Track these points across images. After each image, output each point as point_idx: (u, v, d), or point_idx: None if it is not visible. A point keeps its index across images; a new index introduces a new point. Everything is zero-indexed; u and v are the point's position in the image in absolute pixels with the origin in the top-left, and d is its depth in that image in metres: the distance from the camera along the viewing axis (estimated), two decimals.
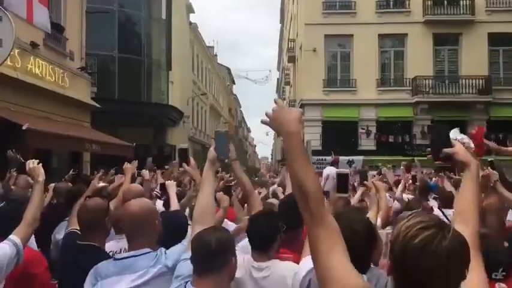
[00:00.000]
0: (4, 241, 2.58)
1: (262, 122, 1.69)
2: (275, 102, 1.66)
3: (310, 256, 1.49)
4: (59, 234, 3.99)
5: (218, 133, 2.64)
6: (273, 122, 1.62)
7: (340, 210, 2.53)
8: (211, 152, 2.56)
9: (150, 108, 23.22)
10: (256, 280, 2.51)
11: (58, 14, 13.60)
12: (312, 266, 1.46)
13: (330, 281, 1.34)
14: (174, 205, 4.00)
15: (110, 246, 3.28)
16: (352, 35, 23.02)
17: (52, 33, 12.33)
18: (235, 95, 67.09)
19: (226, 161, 2.59)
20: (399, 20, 22.73)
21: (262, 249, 2.58)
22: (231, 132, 58.22)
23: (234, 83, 63.75)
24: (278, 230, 2.64)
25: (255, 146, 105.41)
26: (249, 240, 2.65)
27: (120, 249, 3.24)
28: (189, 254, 2.12)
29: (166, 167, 8.12)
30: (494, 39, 22.42)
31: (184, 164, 3.04)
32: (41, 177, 2.95)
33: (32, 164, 2.96)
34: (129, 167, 4.91)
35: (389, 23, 22.63)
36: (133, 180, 6.11)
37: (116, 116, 18.69)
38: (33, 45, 11.52)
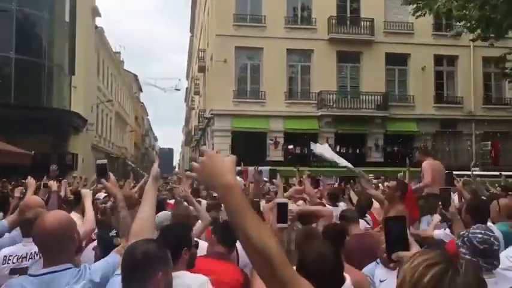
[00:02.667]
0: None
1: (188, 176, 1.49)
2: (202, 151, 1.40)
3: None
4: None
5: (162, 150, 2.66)
6: (202, 175, 1.37)
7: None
8: (155, 169, 2.54)
9: (50, 114, 21.80)
10: None
11: None
12: None
13: None
14: (90, 215, 3.78)
15: (16, 250, 3.05)
16: (262, 48, 23.55)
17: None
18: (142, 102, 65.43)
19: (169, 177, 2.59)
20: (306, 36, 23.68)
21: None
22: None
23: (142, 91, 62.25)
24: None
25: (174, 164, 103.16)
26: None
27: (27, 254, 3.06)
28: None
29: (74, 175, 7.65)
30: (391, 59, 24.24)
31: (103, 180, 2.88)
32: None
33: None
34: (32, 182, 4.63)
35: (297, 39, 23.47)
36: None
37: (11, 121, 17.34)
38: None
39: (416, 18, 16.92)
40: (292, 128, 22.85)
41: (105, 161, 3.06)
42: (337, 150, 22.55)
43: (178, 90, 56.53)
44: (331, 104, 23.09)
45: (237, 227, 1.27)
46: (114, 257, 2.54)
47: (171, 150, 2.70)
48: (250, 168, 16.57)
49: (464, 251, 2.66)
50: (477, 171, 14.71)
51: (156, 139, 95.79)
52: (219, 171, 1.32)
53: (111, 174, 2.97)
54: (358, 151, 22.31)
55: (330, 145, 22.63)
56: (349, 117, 22.90)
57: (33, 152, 14.35)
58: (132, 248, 2.01)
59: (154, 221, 2.57)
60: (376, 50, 24.04)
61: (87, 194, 3.99)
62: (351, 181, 10.33)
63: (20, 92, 20.85)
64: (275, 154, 22.70)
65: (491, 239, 2.62)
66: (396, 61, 24.47)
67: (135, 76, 54.75)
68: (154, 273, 1.98)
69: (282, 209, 2.46)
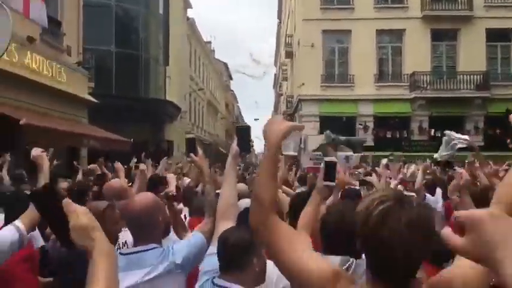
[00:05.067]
0: (8, 225, 2.58)
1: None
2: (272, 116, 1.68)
3: None
4: None
5: (240, 128, 2.66)
6: (264, 131, 1.65)
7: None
8: (234, 148, 2.56)
9: (147, 104, 23.14)
10: None
11: (55, 9, 13.50)
12: None
13: (301, 274, 1.42)
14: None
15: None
16: (350, 31, 22.97)
17: (49, 27, 12.23)
18: (232, 90, 66.96)
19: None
20: (397, 15, 22.68)
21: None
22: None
23: (231, 79, 63.63)
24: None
25: (252, 141, 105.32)
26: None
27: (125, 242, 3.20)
28: (215, 249, 2.15)
29: (170, 161, 8.05)
30: (492, 35, 22.41)
31: (191, 154, 2.98)
32: (46, 165, 2.93)
33: (35, 152, 2.94)
34: (120, 167, 4.84)
35: (387, 19, 22.57)
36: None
37: (113, 111, 18.60)
38: (30, 40, 11.44)
39: None
40: (383, 112, 22.12)
41: (193, 136, 3.17)
42: (432, 134, 21.51)
43: (266, 76, 56.95)
44: (425, 85, 21.97)
45: (257, 174, 1.62)
46: (198, 237, 2.56)
47: (248, 128, 2.70)
48: (339, 154, 16.41)
49: None
50: None
51: None
52: (272, 131, 1.60)
53: (199, 149, 3.04)
54: None
55: (424, 129, 21.77)
56: (445, 99, 21.63)
57: (132, 139, 15.32)
58: (226, 238, 2.10)
59: (237, 201, 2.58)
60: (476, 26, 22.34)
61: (172, 178, 4.11)
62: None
63: (120, 83, 22.32)
64: (365, 139, 22.12)
65: None
66: (498, 37, 22.57)
67: (225, 64, 56.05)
68: (250, 261, 2.08)
69: (330, 167, 2.40)
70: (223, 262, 2.09)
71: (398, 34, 23.09)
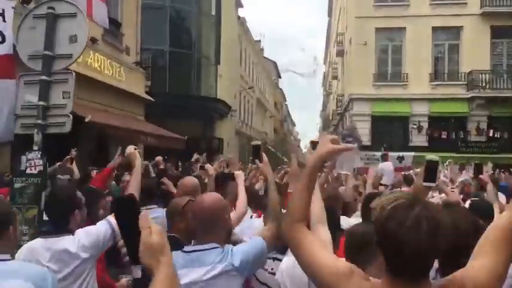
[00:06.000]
0: (102, 220, 2.77)
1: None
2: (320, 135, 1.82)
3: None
4: None
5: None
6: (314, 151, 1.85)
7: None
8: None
9: (199, 102, 23.57)
10: None
11: (115, 10, 14.03)
12: None
13: (319, 270, 1.61)
14: (242, 199, 3.71)
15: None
16: (405, 28, 22.44)
17: (110, 28, 12.73)
18: (280, 88, 66.96)
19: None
20: (454, 12, 21.94)
21: None
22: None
23: (280, 77, 63.63)
24: None
25: (300, 140, 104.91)
26: None
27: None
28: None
29: (222, 159, 8.20)
30: None
31: (256, 161, 3.01)
32: (138, 161, 3.11)
33: (129, 149, 3.13)
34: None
35: (444, 15, 21.87)
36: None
37: (166, 109, 19.09)
38: (93, 40, 11.95)
39: None
40: (438, 112, 21.48)
41: (259, 142, 3.16)
42: (490, 135, 20.68)
43: (315, 75, 56.37)
44: (484, 84, 21.13)
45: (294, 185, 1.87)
46: (258, 242, 2.54)
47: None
48: (392, 154, 16.10)
49: None
50: None
51: (294, 124, 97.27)
52: (315, 152, 1.80)
53: (264, 155, 3.04)
54: None
55: (482, 129, 20.96)
56: (505, 99, 20.72)
57: (186, 137, 15.69)
58: (356, 230, 2.21)
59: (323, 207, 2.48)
60: None
61: (239, 175, 3.96)
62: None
63: (173, 82, 22.87)
64: (419, 139, 21.58)
65: None
66: None
67: (274, 63, 56.10)
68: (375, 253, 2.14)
69: (431, 167, 2.36)
70: (351, 253, 2.14)
71: (456, 31, 22.32)
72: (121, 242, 2.85)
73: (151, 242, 1.22)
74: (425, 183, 2.34)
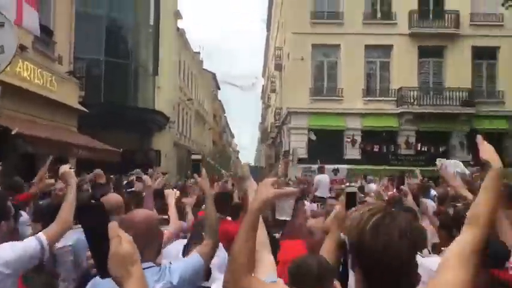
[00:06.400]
0: (32, 237, 2.62)
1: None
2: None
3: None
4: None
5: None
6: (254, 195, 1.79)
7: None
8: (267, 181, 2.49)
9: (136, 113, 23.10)
10: None
11: (47, 17, 13.47)
12: None
13: None
14: (174, 216, 3.79)
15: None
16: (339, 45, 23.26)
17: (41, 36, 12.21)
18: (220, 100, 67.04)
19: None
20: (385, 31, 23.04)
21: None
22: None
23: (219, 89, 63.72)
24: None
25: (238, 152, 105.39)
26: None
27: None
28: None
29: (158, 172, 8.06)
30: (478, 53, 22.92)
31: (195, 175, 3.00)
32: (73, 180, 2.99)
33: (64, 169, 3.01)
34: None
35: (376, 34, 22.91)
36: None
37: (101, 120, 18.55)
38: (22, 48, 11.37)
39: (506, 9, 15.89)
40: (371, 126, 22.38)
41: (200, 157, 3.13)
42: (418, 148, 21.81)
43: (254, 88, 57.03)
44: (412, 100, 22.31)
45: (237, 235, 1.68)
46: (195, 259, 2.51)
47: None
48: (327, 166, 16.56)
49: None
50: None
51: (232, 136, 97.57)
52: (258, 195, 1.71)
53: (203, 170, 3.02)
54: (440, 150, 21.39)
55: (411, 143, 22.05)
56: (431, 115, 21.99)
57: (121, 149, 15.28)
58: (308, 263, 2.20)
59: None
60: (462, 44, 22.82)
61: (170, 193, 3.94)
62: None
63: (109, 92, 22.26)
64: (353, 152, 22.35)
65: None
66: (484, 55, 23.09)
67: (214, 75, 56.14)
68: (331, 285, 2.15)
69: (350, 197, 2.46)
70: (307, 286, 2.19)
71: (387, 50, 23.44)
72: (88, 253, 2.72)
73: (121, 252, 1.15)
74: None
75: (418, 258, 2.89)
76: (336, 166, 17.82)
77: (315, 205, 8.34)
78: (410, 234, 1.34)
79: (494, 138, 21.62)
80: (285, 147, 26.58)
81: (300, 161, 21.99)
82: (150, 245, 2.35)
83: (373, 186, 9.78)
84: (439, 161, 7.95)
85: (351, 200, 2.47)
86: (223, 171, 39.53)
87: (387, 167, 19.46)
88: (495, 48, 22.95)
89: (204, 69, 49.92)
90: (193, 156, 3.71)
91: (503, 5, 15.58)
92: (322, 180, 11.30)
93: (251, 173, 2.50)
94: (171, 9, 30.95)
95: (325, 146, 21.80)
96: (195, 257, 2.51)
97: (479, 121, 21.89)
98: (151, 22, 25.88)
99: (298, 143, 22.80)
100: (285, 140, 26.87)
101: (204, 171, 3.02)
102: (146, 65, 25.50)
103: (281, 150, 28.98)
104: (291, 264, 2.20)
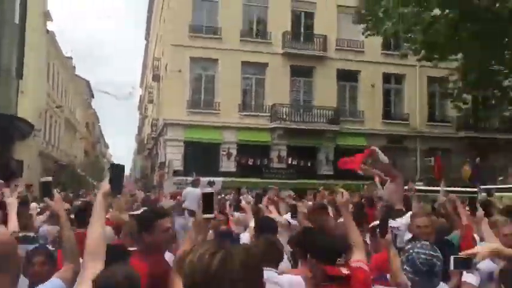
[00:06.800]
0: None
1: None
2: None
3: None
4: None
5: (114, 166, 2.48)
6: None
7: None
8: (105, 185, 2.36)
9: None
10: None
11: None
12: None
13: None
14: (13, 226, 3.56)
15: None
16: (217, 60, 23.69)
17: None
18: (94, 109, 63.86)
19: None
20: (261, 49, 24.04)
21: None
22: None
23: (93, 97, 60.71)
24: None
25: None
26: None
27: None
28: None
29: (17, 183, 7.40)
30: (342, 75, 25.01)
31: (46, 199, 2.76)
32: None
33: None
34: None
35: (252, 52, 23.79)
36: None
37: None
38: None
39: (366, 37, 17.61)
40: (245, 140, 23.05)
41: (49, 179, 2.88)
42: (289, 162, 23.00)
43: (130, 98, 55.47)
44: (284, 117, 23.48)
45: None
46: (56, 284, 2.43)
47: (122, 167, 2.49)
48: (203, 179, 16.67)
49: (408, 268, 2.77)
50: (421, 186, 15.38)
51: (107, 146, 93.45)
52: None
53: (55, 192, 2.84)
54: (309, 164, 22.79)
55: (282, 157, 23.15)
56: (301, 131, 23.34)
57: None
58: (113, 275, 2.01)
59: (105, 238, 2.40)
60: (328, 66, 24.73)
61: (12, 204, 3.72)
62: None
63: None
64: (228, 165, 22.79)
65: (434, 260, 2.72)
66: (347, 77, 25.26)
67: (88, 82, 53.45)
68: None
69: (207, 199, 2.35)
70: None
71: (262, 67, 24.43)
72: None
73: None
74: (204, 216, 2.36)
75: (273, 275, 3.06)
76: (211, 179, 18.01)
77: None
78: (253, 263, 1.38)
79: (355, 154, 23.76)
80: (160, 158, 26.19)
81: (176, 173, 21.83)
82: (7, 269, 2.14)
83: (248, 197, 10.07)
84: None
85: (208, 201, 2.37)
86: (95, 183, 37.63)
87: (261, 180, 20.21)
88: (357, 72, 25.25)
89: (76, 75, 47.24)
90: (42, 179, 3.39)
91: (363, 33, 17.18)
92: (190, 192, 11.34)
93: (114, 173, 2.40)
94: (40, 9, 28.84)
95: (201, 158, 21.94)
96: (56, 281, 2.43)
97: (343, 138, 23.83)
98: (17, 20, 23.80)
99: (174, 155, 22.64)
100: (161, 151, 26.50)
101: (56, 194, 2.83)
102: (9, 66, 23.31)
103: (157, 161, 28.49)
104: (97, 277, 2.04)
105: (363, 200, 8.90)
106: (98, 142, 71.15)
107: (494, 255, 2.37)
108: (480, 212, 4.40)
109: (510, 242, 3.60)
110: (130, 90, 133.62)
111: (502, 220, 4.18)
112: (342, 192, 3.25)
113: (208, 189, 2.47)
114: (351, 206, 5.23)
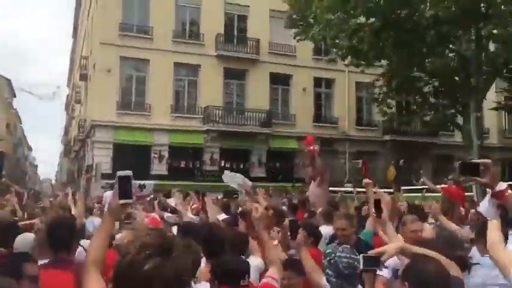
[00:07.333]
0: None
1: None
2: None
3: None
4: None
5: (121, 177, 2.10)
6: None
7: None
8: (112, 202, 2.12)
9: None
10: None
11: None
12: None
13: None
14: None
15: None
16: (149, 60, 23.13)
17: None
18: (15, 109, 60.23)
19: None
20: (194, 51, 23.76)
21: None
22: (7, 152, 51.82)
23: (15, 96, 57.24)
24: None
25: (37, 166, 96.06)
26: None
27: None
28: None
29: None
30: (275, 79, 25.34)
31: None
32: None
33: None
34: None
35: (185, 53, 23.46)
36: None
37: None
38: None
39: (297, 41, 17.97)
40: (178, 142, 22.69)
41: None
42: (222, 165, 22.91)
43: (55, 98, 52.92)
44: (217, 119, 23.39)
45: None
46: None
47: (128, 176, 2.12)
48: (133, 182, 16.18)
49: (330, 272, 2.89)
50: (350, 187, 15.89)
51: (30, 148, 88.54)
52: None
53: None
54: (242, 166, 22.83)
55: (215, 160, 23.04)
56: (234, 133, 23.36)
57: None
58: None
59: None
60: (261, 69, 24.95)
61: None
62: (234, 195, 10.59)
63: None
64: (160, 168, 22.31)
65: (356, 263, 2.81)
66: (279, 81, 25.63)
67: (9, 81, 50.33)
68: None
69: (123, 182, 2.05)
70: None
71: (195, 69, 24.19)
72: None
73: None
74: (121, 201, 2.05)
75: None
76: (142, 182, 17.46)
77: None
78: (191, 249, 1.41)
79: (287, 157, 24.22)
80: (88, 161, 25.14)
81: (104, 176, 21.02)
82: None
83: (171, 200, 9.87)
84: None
85: (125, 185, 2.06)
86: (16, 187, 35.41)
87: (193, 183, 19.95)
88: (289, 76, 25.69)
89: None
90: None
91: (294, 37, 17.53)
92: (109, 196, 10.93)
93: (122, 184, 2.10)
94: None
95: (131, 161, 21.25)
96: None
97: (275, 141, 24.15)
98: None
99: (102, 157, 21.84)
100: (88, 154, 25.44)
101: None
102: None
103: (84, 164, 27.33)
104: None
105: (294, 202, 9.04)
106: (20, 144, 67.19)
107: (400, 252, 2.51)
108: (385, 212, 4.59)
109: (417, 237, 3.86)
110: (54, 90, 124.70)
111: (410, 218, 4.40)
112: (257, 208, 3.15)
113: (125, 172, 2.08)
114: (271, 211, 5.23)
